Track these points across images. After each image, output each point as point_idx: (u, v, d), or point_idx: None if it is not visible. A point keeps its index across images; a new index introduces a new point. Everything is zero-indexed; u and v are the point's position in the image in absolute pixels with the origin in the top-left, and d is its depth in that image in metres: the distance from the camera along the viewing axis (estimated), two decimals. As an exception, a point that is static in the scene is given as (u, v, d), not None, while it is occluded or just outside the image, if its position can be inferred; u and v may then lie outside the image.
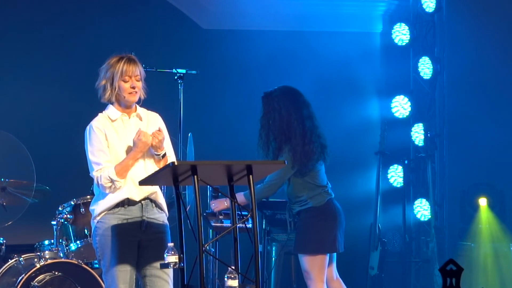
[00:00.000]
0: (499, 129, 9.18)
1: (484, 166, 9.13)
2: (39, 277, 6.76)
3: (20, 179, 7.35)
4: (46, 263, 6.81)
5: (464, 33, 9.34)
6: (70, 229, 7.20)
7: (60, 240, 7.15)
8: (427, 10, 9.26)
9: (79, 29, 8.86)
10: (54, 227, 7.16)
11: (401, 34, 9.34)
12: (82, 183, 7.76)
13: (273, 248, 8.17)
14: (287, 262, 8.43)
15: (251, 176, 4.98)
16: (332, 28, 9.41)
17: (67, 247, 7.15)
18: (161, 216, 5.33)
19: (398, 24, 9.35)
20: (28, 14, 8.85)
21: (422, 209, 9.11)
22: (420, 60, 9.27)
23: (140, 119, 5.38)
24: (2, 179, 7.29)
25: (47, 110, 8.77)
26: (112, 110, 5.36)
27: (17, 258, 7.00)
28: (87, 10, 8.90)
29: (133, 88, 5.28)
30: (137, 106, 5.41)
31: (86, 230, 7.17)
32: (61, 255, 7.03)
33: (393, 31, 9.35)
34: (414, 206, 9.20)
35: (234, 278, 4.91)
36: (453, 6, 9.37)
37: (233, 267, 4.96)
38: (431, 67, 9.27)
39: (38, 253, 7.02)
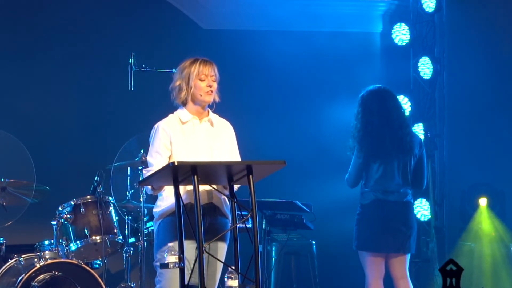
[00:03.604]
0: (499, 129, 9.18)
1: (484, 166, 9.12)
2: (39, 277, 6.76)
3: (20, 179, 7.35)
4: (46, 263, 6.81)
5: (464, 33, 9.34)
6: (70, 229, 7.20)
7: (60, 240, 7.15)
8: (427, 10, 9.25)
9: (79, 29, 8.85)
10: (54, 227, 7.16)
11: (401, 34, 9.33)
12: (82, 183, 7.77)
13: (273, 248, 8.17)
14: (287, 262, 8.42)
15: (251, 176, 4.99)
16: (332, 28, 9.41)
17: (67, 247, 7.15)
18: (224, 223, 5.32)
19: (398, 24, 9.34)
20: (27, 13, 8.84)
21: (422, 209, 9.10)
22: (420, 60, 9.26)
23: (212, 124, 5.40)
24: (2, 179, 7.29)
25: (47, 110, 8.77)
26: (184, 112, 5.37)
27: (17, 258, 7.00)
28: (87, 10, 8.89)
29: (210, 86, 5.30)
30: (210, 111, 5.42)
31: (86, 230, 7.17)
32: (61, 255, 7.03)
33: (393, 31, 9.34)
34: (414, 206, 9.18)
35: (234, 278, 4.92)
36: (453, 6, 9.37)
37: (233, 267, 4.96)
38: (431, 67, 9.26)
39: (38, 253, 7.02)
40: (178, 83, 5.38)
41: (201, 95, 5.33)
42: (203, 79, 5.33)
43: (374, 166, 6.64)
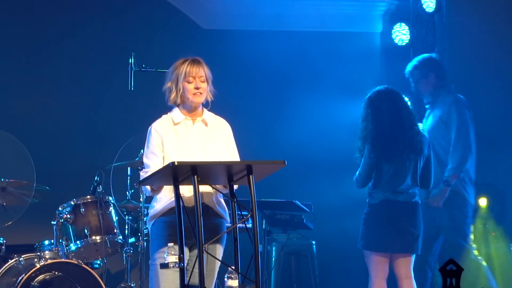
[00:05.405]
0: (499, 129, 9.16)
1: (484, 166, 9.11)
2: (39, 277, 6.76)
3: (20, 179, 7.35)
4: (46, 263, 6.82)
5: (464, 33, 9.33)
6: (70, 229, 7.20)
7: (60, 240, 7.16)
8: (427, 10, 9.24)
9: (79, 29, 8.85)
10: (54, 227, 7.17)
11: (401, 34, 9.32)
12: (82, 183, 7.77)
13: (273, 248, 8.17)
14: (287, 262, 8.42)
15: (251, 176, 4.98)
16: (332, 28, 9.41)
17: (67, 247, 7.15)
18: (217, 223, 5.31)
19: (398, 24, 9.33)
20: (26, 13, 8.84)
21: (422, 209, 9.10)
22: (420, 60, 9.26)
23: (206, 124, 5.37)
24: (2, 179, 7.29)
25: (47, 110, 8.77)
26: (176, 113, 5.35)
27: (17, 258, 7.00)
28: (87, 10, 8.89)
29: (197, 88, 5.28)
30: (205, 110, 5.40)
31: (86, 230, 7.17)
32: (61, 255, 7.03)
33: (393, 31, 9.34)
34: (414, 206, 9.17)
35: (234, 278, 4.92)
36: (453, 6, 9.36)
37: (233, 267, 4.96)
38: (431, 67, 9.25)
39: (38, 253, 7.02)
40: (168, 84, 5.38)
41: (189, 98, 5.31)
42: (190, 81, 5.30)
43: (385, 167, 6.63)
